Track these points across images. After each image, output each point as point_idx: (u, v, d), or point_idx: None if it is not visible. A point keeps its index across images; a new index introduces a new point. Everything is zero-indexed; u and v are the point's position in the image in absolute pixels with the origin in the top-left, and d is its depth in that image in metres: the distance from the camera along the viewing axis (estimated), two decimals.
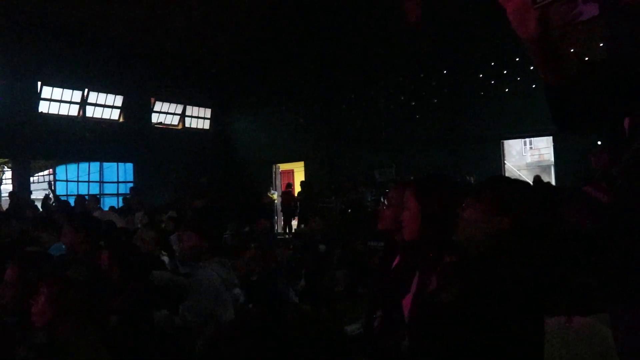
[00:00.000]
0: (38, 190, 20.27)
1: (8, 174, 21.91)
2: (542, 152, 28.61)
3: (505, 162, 16.42)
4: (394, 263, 2.71)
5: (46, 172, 21.79)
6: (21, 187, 15.76)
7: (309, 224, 11.60)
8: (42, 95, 16.47)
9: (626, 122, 1.51)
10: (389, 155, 16.45)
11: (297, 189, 19.63)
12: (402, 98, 16.21)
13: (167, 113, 20.31)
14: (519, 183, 1.89)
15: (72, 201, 17.11)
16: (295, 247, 10.16)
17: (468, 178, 13.94)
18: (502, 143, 15.47)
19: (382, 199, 3.28)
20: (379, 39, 16.08)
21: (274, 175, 20.45)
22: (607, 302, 1.78)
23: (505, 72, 14.12)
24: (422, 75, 15.77)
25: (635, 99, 1.43)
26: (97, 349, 2.71)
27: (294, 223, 17.87)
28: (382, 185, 15.63)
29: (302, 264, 8.93)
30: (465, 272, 1.79)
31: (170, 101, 20.26)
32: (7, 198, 15.31)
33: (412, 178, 13.32)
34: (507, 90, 14.21)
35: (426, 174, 2.53)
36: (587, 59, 1.59)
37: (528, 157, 30.02)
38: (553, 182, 15.14)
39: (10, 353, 2.83)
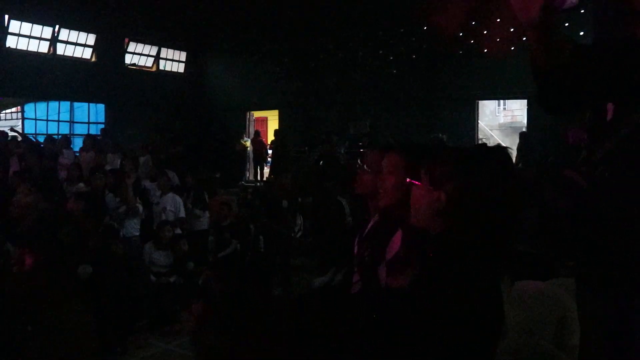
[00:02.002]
0: (5, 127, 19.86)
1: None
2: (515, 113, 28.80)
3: (478, 121, 16.54)
4: (368, 228, 2.76)
5: (14, 109, 21.27)
6: None
7: (278, 180, 11.54)
8: (10, 30, 15.89)
9: (609, 106, 1.54)
10: (364, 109, 16.44)
11: (270, 137, 19.61)
12: (381, 52, 16.08)
13: (141, 54, 19.87)
14: (457, 153, 1.86)
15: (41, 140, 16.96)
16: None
17: (441, 136, 14.05)
18: (477, 103, 15.57)
19: (359, 162, 3.27)
20: None
21: (247, 123, 20.30)
22: (578, 285, 1.84)
23: (485, 32, 14.05)
24: (401, 30, 15.61)
25: (621, 86, 1.45)
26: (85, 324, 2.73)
27: (266, 172, 17.93)
28: (355, 138, 15.67)
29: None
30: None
31: (145, 42, 19.79)
32: None
33: (390, 140, 13.37)
34: (485, 50, 14.18)
35: (408, 141, 2.57)
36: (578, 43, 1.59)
37: (501, 117, 30.19)
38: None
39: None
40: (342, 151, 14.82)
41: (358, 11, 16.09)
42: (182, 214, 7.91)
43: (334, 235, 7.77)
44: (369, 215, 2.89)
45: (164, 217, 7.54)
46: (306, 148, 15.41)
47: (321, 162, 13.57)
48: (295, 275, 7.99)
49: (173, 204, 7.77)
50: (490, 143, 12.82)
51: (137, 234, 7.32)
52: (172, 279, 6.89)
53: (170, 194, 7.89)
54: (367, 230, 2.70)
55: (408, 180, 1.84)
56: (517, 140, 16.00)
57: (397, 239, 2.39)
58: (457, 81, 14.99)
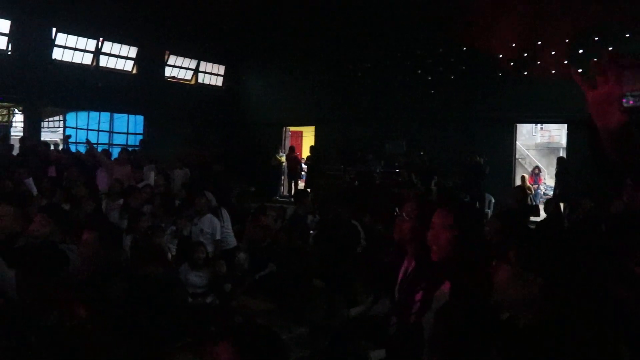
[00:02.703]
0: (47, 132, 20.39)
1: (18, 117, 21.93)
2: (553, 133, 28.41)
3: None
4: (404, 269, 2.86)
5: (56, 117, 21.77)
6: (32, 133, 15.81)
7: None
8: (57, 42, 16.35)
9: None
10: (400, 128, 16.40)
11: (304, 151, 19.71)
12: (419, 72, 16.04)
13: (180, 67, 20.19)
14: (544, 241, 1.86)
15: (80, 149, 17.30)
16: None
17: (479, 159, 13.92)
18: (515, 126, 15.39)
19: (397, 210, 3.29)
20: (401, 9, 15.82)
21: (283, 138, 20.40)
22: None
23: (525, 54, 13.93)
24: (441, 50, 15.57)
25: None
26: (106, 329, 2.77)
27: (301, 185, 17.99)
28: (391, 157, 15.63)
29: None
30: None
31: (185, 55, 20.10)
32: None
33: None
34: (525, 73, 14.05)
35: (456, 198, 2.70)
36: None
37: (538, 137, 29.79)
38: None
39: (20, 335, 2.87)
40: (378, 170, 14.77)
41: (397, 30, 16.09)
42: (219, 235, 7.96)
43: (347, 259, 7.73)
44: (397, 257, 3.02)
45: (201, 239, 7.59)
46: (342, 166, 15.40)
47: (356, 182, 13.52)
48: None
49: (210, 226, 7.83)
50: (526, 163, 12.68)
51: (174, 253, 7.40)
52: (208, 300, 6.93)
53: (208, 215, 7.95)
54: (407, 275, 2.79)
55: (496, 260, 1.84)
56: (553, 161, 15.78)
57: (444, 290, 2.46)
58: (495, 103, 14.83)
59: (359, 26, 16.77)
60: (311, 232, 9.92)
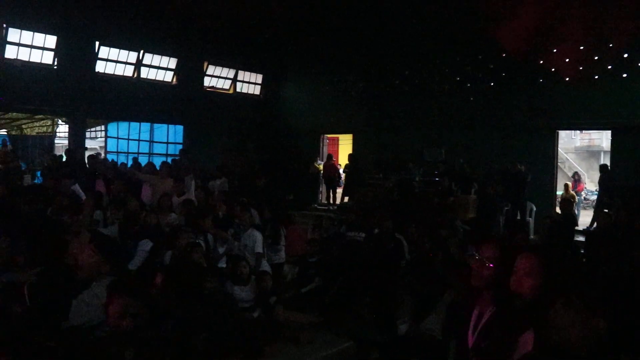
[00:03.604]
0: (88, 141, 20.80)
1: (62, 127, 22.46)
2: (593, 136, 27.93)
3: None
4: (478, 312, 2.82)
5: (98, 128, 22.23)
6: (77, 144, 16.19)
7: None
8: (100, 55, 16.73)
9: None
10: (439, 135, 16.28)
11: (341, 158, 19.75)
12: (458, 79, 15.92)
13: (219, 77, 20.42)
14: (604, 282, 1.88)
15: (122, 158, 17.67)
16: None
17: (520, 166, 13.75)
18: (557, 133, 15.15)
19: (474, 252, 3.23)
20: (438, 16, 15.76)
21: (321, 146, 20.45)
22: None
23: (567, 59, 13.72)
24: (480, 57, 15.43)
25: None
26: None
27: (338, 192, 18.02)
28: (431, 165, 15.54)
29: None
30: None
31: (223, 65, 20.34)
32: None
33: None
34: (567, 79, 13.84)
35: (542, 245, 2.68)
36: None
37: (577, 140, 29.35)
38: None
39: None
40: (417, 178, 14.69)
41: (435, 38, 16.02)
42: (259, 249, 8.02)
43: (392, 273, 7.69)
44: (470, 298, 2.94)
45: (245, 253, 7.67)
46: (381, 175, 15.35)
47: (395, 192, 13.46)
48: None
49: (253, 240, 7.89)
50: (566, 167, 12.48)
51: (224, 266, 7.47)
52: (255, 314, 6.99)
53: (250, 230, 8.02)
54: (484, 320, 2.73)
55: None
56: (594, 165, 15.48)
57: (528, 338, 2.41)
58: (536, 109, 14.65)
59: (397, 34, 16.77)
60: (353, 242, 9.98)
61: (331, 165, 18.27)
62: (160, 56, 18.34)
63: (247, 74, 21.29)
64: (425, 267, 6.76)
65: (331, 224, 11.51)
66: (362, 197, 14.29)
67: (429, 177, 14.79)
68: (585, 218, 15.52)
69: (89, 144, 20.71)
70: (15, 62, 14.84)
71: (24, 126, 22.74)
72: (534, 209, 14.08)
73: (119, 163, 15.59)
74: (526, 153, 14.53)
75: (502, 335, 2.55)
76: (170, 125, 19.98)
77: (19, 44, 15.00)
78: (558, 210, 12.95)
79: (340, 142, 23.65)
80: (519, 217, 13.64)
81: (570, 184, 15.73)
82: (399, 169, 14.84)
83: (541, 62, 14.28)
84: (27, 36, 15.13)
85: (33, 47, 15.28)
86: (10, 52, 14.87)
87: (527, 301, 2.47)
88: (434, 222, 9.84)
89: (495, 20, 14.23)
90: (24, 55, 15.16)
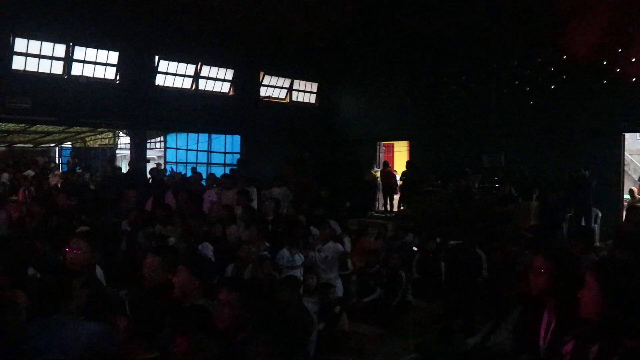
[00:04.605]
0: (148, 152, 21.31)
1: (123, 139, 23.14)
2: None
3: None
4: (547, 322, 2.83)
5: (158, 139, 22.77)
6: (138, 156, 16.62)
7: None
8: (159, 69, 17.17)
9: None
10: (497, 141, 15.97)
11: (396, 164, 19.63)
12: (516, 83, 15.60)
13: (275, 87, 20.63)
14: None
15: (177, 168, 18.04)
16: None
17: (584, 171, 13.37)
18: (623, 136, 14.65)
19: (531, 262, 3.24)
20: (496, 19, 15.50)
21: (377, 153, 20.39)
22: None
23: (633, 59, 13.28)
24: (539, 60, 15.10)
25: None
26: None
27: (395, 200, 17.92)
28: (490, 172, 15.26)
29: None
30: None
31: (279, 75, 20.55)
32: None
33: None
34: (633, 79, 13.39)
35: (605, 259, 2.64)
36: None
37: None
38: None
39: None
40: (476, 185, 14.42)
41: (492, 41, 15.75)
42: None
43: (468, 288, 7.57)
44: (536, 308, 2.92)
45: (323, 266, 7.67)
46: (439, 182, 15.15)
47: (455, 199, 13.25)
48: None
49: (335, 252, 7.86)
50: (630, 169, 11.99)
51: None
52: (320, 326, 7.00)
53: (330, 242, 8.00)
54: (551, 330, 2.77)
55: None
56: None
57: (594, 351, 2.38)
58: (600, 112, 14.22)
59: (453, 39, 16.56)
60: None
61: (388, 172, 18.19)
62: (217, 68, 18.68)
63: (303, 82, 21.46)
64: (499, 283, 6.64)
65: (396, 234, 11.48)
66: (421, 205, 14.14)
67: (488, 184, 14.52)
68: None
69: (147, 154, 21.24)
70: (81, 79, 15.36)
71: (87, 138, 23.54)
72: (600, 215, 13.66)
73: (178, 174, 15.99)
74: (590, 157, 14.11)
75: (568, 348, 2.53)
76: (227, 136, 20.29)
77: (84, 61, 15.53)
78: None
79: (395, 148, 23.51)
80: (583, 224, 13.25)
81: (635, 188, 15.20)
82: (457, 176, 14.61)
83: (605, 63, 13.85)
84: (91, 53, 15.67)
85: (97, 63, 15.80)
86: (76, 70, 15.41)
87: (591, 313, 2.39)
88: (501, 234, 9.66)
89: (556, 23, 13.94)
90: (88, 71, 15.69)
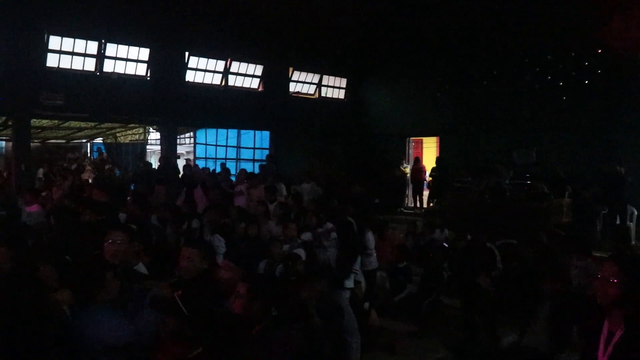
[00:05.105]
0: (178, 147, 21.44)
1: (153, 135, 23.31)
2: None
3: None
4: (608, 332, 2.71)
5: (187, 134, 22.88)
6: (169, 151, 16.76)
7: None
8: (189, 65, 17.28)
9: None
10: (529, 137, 15.70)
11: (425, 160, 19.47)
12: (549, 78, 15.33)
13: (304, 82, 20.65)
14: None
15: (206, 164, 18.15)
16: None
17: (619, 168, 13.08)
18: None
19: (601, 269, 3.10)
20: (528, 13, 15.24)
21: (407, 149, 20.25)
22: None
23: None
24: (573, 54, 14.81)
25: None
26: None
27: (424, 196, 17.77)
28: (521, 168, 15.01)
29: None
30: None
31: (308, 70, 20.56)
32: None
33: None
34: None
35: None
36: None
37: None
38: None
39: None
40: (507, 182, 14.21)
41: (524, 35, 15.50)
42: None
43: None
44: (597, 317, 2.81)
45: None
46: (470, 178, 14.97)
47: (486, 196, 13.09)
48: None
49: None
50: None
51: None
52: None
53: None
54: (615, 340, 2.63)
55: None
56: None
57: None
58: (637, 107, 13.90)
59: (484, 32, 16.34)
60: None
61: (419, 168, 18.05)
62: (246, 64, 18.75)
63: (332, 78, 21.45)
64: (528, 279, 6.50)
65: (424, 230, 11.36)
66: (452, 202, 14.00)
67: (520, 180, 14.29)
68: None
69: (178, 149, 21.38)
70: (112, 75, 15.53)
71: (118, 134, 23.76)
72: (635, 213, 13.34)
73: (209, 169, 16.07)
74: (626, 153, 13.80)
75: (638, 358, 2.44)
76: (256, 131, 20.36)
77: (115, 58, 15.72)
78: None
79: (424, 144, 23.31)
80: (618, 222, 12.96)
81: None
82: (488, 172, 14.40)
83: None
84: (122, 50, 15.85)
85: (128, 60, 15.98)
86: (107, 66, 15.60)
87: None
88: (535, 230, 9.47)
89: (591, 16, 13.65)
90: (120, 68, 15.86)
